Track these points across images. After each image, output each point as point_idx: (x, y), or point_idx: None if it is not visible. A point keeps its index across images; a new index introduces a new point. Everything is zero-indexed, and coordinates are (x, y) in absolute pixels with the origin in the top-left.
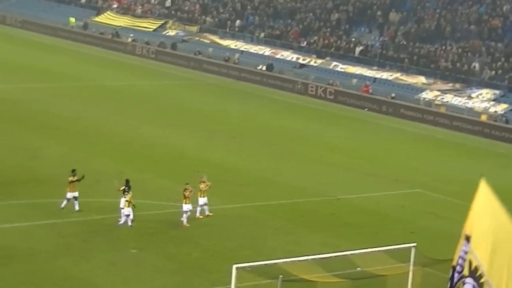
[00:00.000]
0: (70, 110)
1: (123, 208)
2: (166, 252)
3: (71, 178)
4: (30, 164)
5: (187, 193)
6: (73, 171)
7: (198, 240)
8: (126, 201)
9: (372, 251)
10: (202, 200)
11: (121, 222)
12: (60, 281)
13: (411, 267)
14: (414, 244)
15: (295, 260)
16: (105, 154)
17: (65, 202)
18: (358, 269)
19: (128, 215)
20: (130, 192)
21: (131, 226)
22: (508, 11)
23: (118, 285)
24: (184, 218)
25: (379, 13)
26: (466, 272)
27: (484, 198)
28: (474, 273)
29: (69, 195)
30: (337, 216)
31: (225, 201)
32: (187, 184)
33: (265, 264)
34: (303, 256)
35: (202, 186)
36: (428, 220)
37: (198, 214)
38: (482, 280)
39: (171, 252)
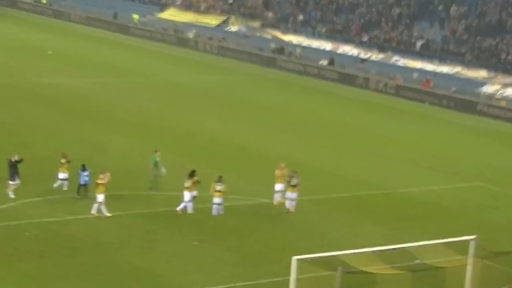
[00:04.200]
0: (134, 104)
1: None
2: (227, 244)
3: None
4: (95, 157)
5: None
6: (193, 172)
7: (259, 232)
8: (218, 191)
9: (431, 244)
10: (278, 187)
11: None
12: (123, 271)
13: (470, 260)
14: (474, 237)
15: (354, 252)
16: (168, 148)
17: (182, 205)
18: (417, 261)
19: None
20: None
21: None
22: None
23: (180, 276)
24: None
25: (440, 7)
26: None
27: None
28: None
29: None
30: (397, 209)
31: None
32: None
33: (325, 256)
34: (364, 248)
35: (277, 172)
36: (489, 214)
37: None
38: None
39: (233, 244)
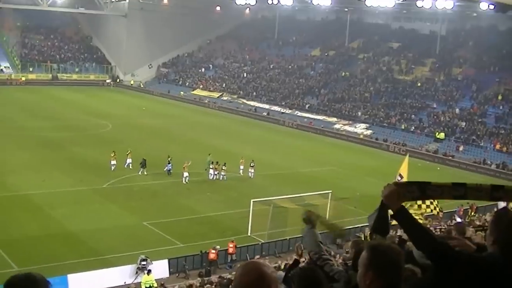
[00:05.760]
0: (185, 131)
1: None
2: (223, 194)
3: (213, 165)
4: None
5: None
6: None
7: (235, 187)
8: (223, 169)
9: (311, 194)
10: (241, 167)
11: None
12: (180, 207)
13: (330, 201)
14: (331, 191)
15: (278, 198)
16: (196, 152)
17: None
18: (306, 202)
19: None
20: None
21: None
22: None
23: (203, 209)
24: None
25: (316, 90)
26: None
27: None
28: None
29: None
30: (297, 179)
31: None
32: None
33: (265, 199)
34: (281, 196)
35: (241, 161)
36: (337, 181)
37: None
38: None
39: (224, 194)
